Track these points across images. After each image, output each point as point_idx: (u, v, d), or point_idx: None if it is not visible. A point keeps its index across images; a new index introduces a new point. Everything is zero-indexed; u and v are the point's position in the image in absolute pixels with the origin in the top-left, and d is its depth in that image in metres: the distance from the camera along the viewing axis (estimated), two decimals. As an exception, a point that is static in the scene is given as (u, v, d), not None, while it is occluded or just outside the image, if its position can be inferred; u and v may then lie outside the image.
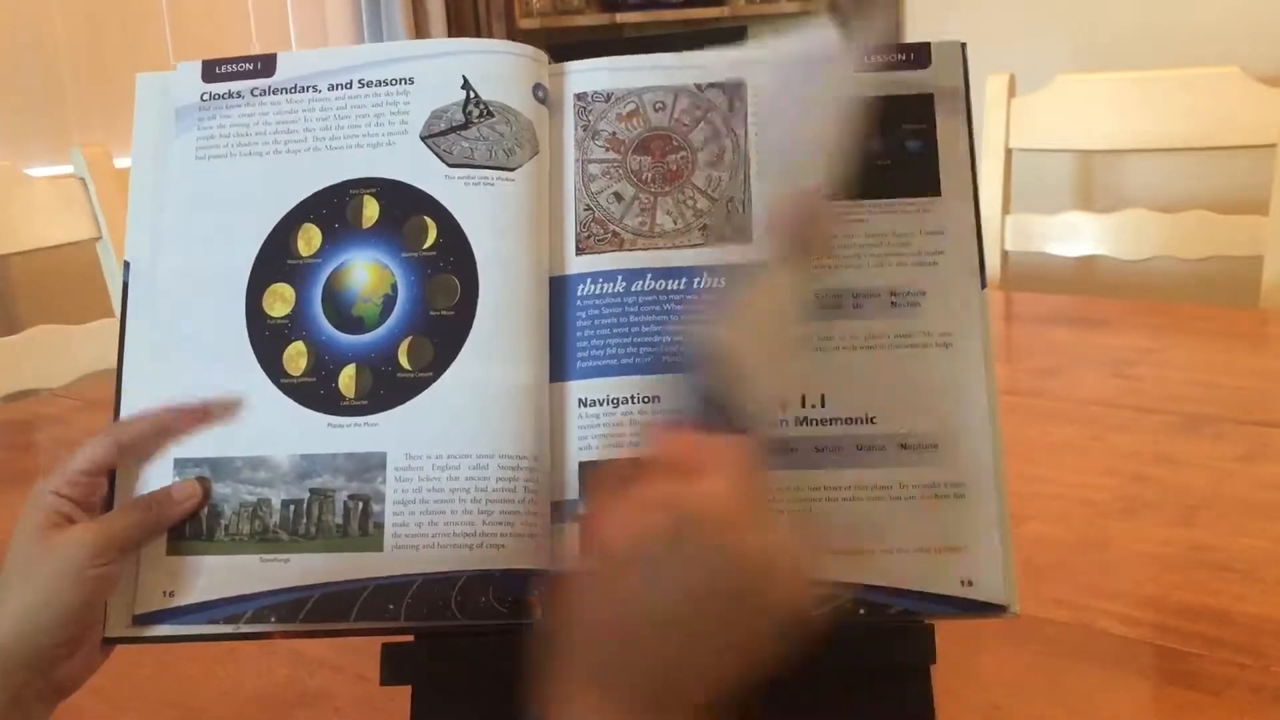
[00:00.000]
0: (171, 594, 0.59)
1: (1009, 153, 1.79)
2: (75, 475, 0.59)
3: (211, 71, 0.67)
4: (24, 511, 0.58)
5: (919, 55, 0.65)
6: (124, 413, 0.63)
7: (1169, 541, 0.86)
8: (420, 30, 2.80)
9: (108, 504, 0.61)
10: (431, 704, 0.60)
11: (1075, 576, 0.81)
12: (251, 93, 0.66)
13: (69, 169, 1.57)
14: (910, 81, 0.65)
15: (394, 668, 0.58)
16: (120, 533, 0.58)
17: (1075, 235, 1.77)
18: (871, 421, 0.61)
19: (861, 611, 0.59)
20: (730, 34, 3.03)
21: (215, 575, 0.59)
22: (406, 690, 0.60)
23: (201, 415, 0.61)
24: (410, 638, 0.59)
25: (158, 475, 0.61)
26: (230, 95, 0.66)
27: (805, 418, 0.61)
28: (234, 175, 0.65)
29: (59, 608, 0.56)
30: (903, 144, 0.64)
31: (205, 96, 0.67)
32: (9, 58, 2.24)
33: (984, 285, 0.64)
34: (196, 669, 0.75)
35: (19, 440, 1.33)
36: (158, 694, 0.73)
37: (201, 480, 0.61)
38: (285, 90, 0.66)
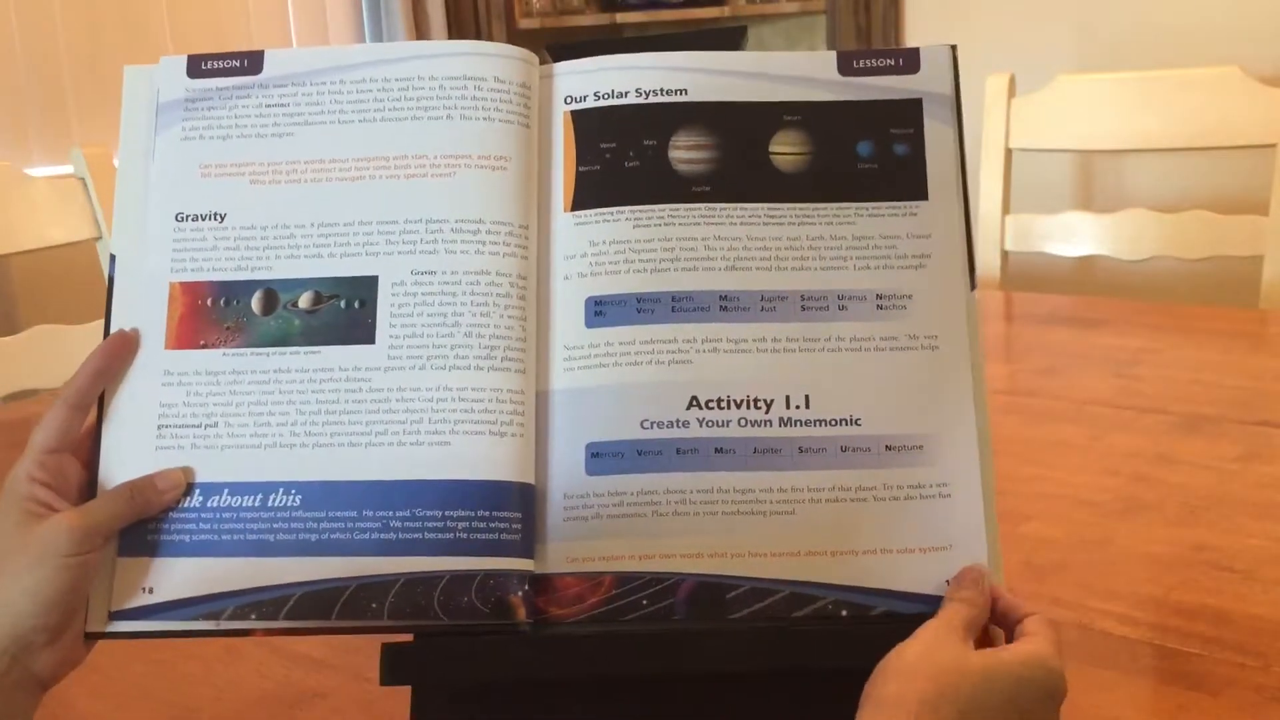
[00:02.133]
0: (151, 590, 0.59)
1: (1009, 153, 1.79)
2: (42, 456, 0.60)
3: (197, 67, 0.67)
4: (2, 500, 0.59)
5: (908, 60, 0.66)
6: (109, 407, 0.63)
7: (1169, 541, 0.86)
8: (420, 30, 2.80)
9: (86, 489, 0.61)
10: (431, 704, 0.60)
11: (1075, 576, 0.81)
12: (237, 90, 0.66)
13: (69, 169, 1.57)
14: (899, 86, 0.65)
15: (394, 668, 0.58)
16: (102, 521, 0.58)
17: (1075, 235, 1.77)
18: (856, 423, 0.61)
19: (844, 614, 0.59)
20: (730, 34, 3.03)
21: (196, 572, 0.59)
22: (406, 690, 0.60)
23: (127, 343, 0.63)
24: (410, 638, 0.59)
25: (141, 462, 0.61)
26: (215, 93, 0.66)
27: (789, 419, 0.61)
28: (221, 183, 0.65)
29: (40, 596, 0.56)
30: (890, 148, 0.65)
31: (190, 93, 0.66)
32: (9, 58, 2.24)
33: (974, 287, 0.64)
34: (196, 668, 0.75)
35: (19, 440, 1.32)
36: (157, 693, 0.73)
37: (185, 471, 0.61)
38: (272, 87, 0.66)
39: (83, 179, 1.56)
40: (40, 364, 1.47)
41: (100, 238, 1.57)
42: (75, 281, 1.72)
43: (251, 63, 0.66)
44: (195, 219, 0.65)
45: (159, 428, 0.62)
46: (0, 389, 1.45)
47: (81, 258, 1.60)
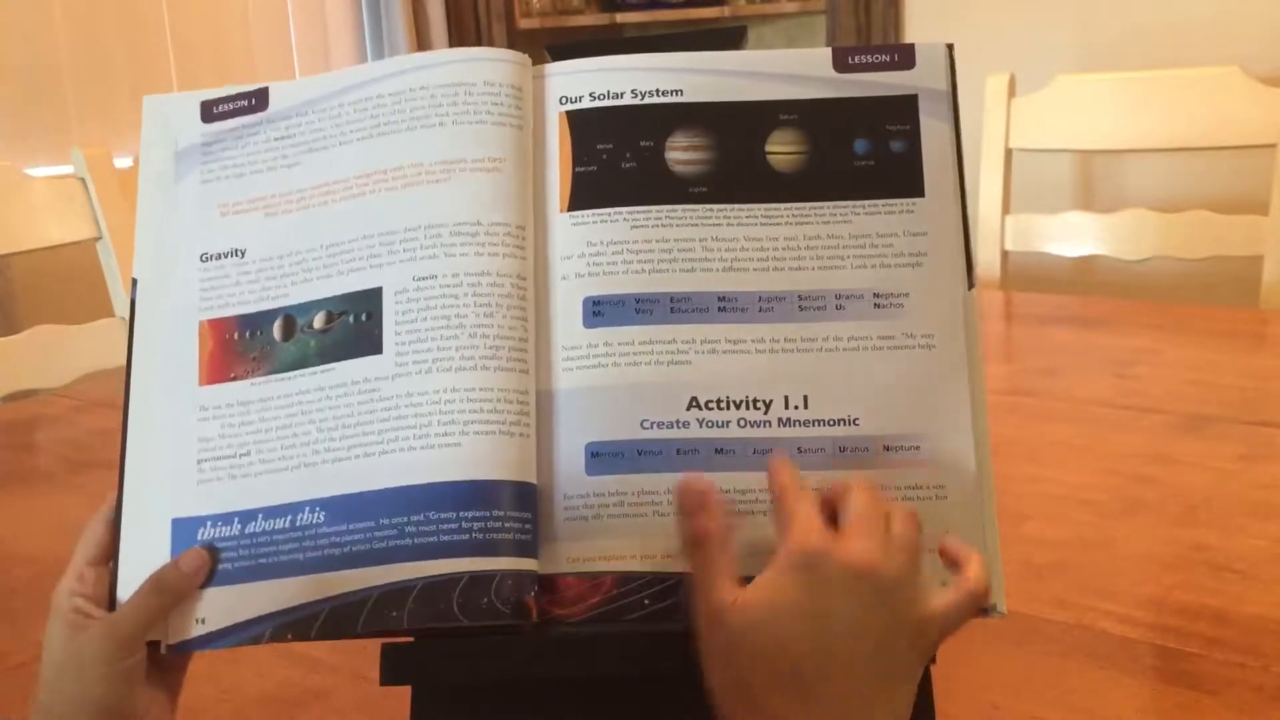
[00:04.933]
0: (203, 621, 0.60)
1: (1009, 153, 1.79)
2: (82, 569, 0.60)
3: (209, 112, 0.68)
4: (51, 614, 0.60)
5: (904, 56, 0.66)
6: (133, 452, 0.63)
7: (1169, 541, 0.86)
8: (420, 32, 2.80)
9: (110, 591, 0.61)
10: (431, 704, 0.60)
11: (1075, 576, 0.81)
12: (246, 128, 0.67)
13: (69, 169, 1.57)
14: (895, 82, 0.65)
15: (394, 668, 0.58)
16: (136, 627, 0.59)
17: (1075, 235, 1.77)
18: (855, 423, 0.61)
19: None
20: (730, 34, 3.03)
21: (240, 598, 0.60)
22: (406, 690, 0.60)
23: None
24: (410, 638, 0.59)
25: (186, 497, 0.62)
26: (228, 134, 0.68)
27: (788, 419, 0.61)
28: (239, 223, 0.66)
29: (97, 707, 0.57)
30: (886, 144, 0.65)
31: (205, 138, 0.68)
32: (9, 58, 2.25)
33: (972, 285, 0.63)
34: (196, 669, 0.75)
35: (19, 440, 1.33)
36: (158, 694, 0.73)
37: (210, 550, 0.61)
38: (279, 120, 0.67)
39: (83, 179, 1.56)
40: (40, 364, 1.48)
41: (100, 238, 1.57)
42: (75, 281, 1.73)
43: (258, 99, 0.68)
44: (219, 258, 0.66)
45: (199, 462, 0.63)
46: (0, 389, 1.45)
47: (81, 258, 1.60)
